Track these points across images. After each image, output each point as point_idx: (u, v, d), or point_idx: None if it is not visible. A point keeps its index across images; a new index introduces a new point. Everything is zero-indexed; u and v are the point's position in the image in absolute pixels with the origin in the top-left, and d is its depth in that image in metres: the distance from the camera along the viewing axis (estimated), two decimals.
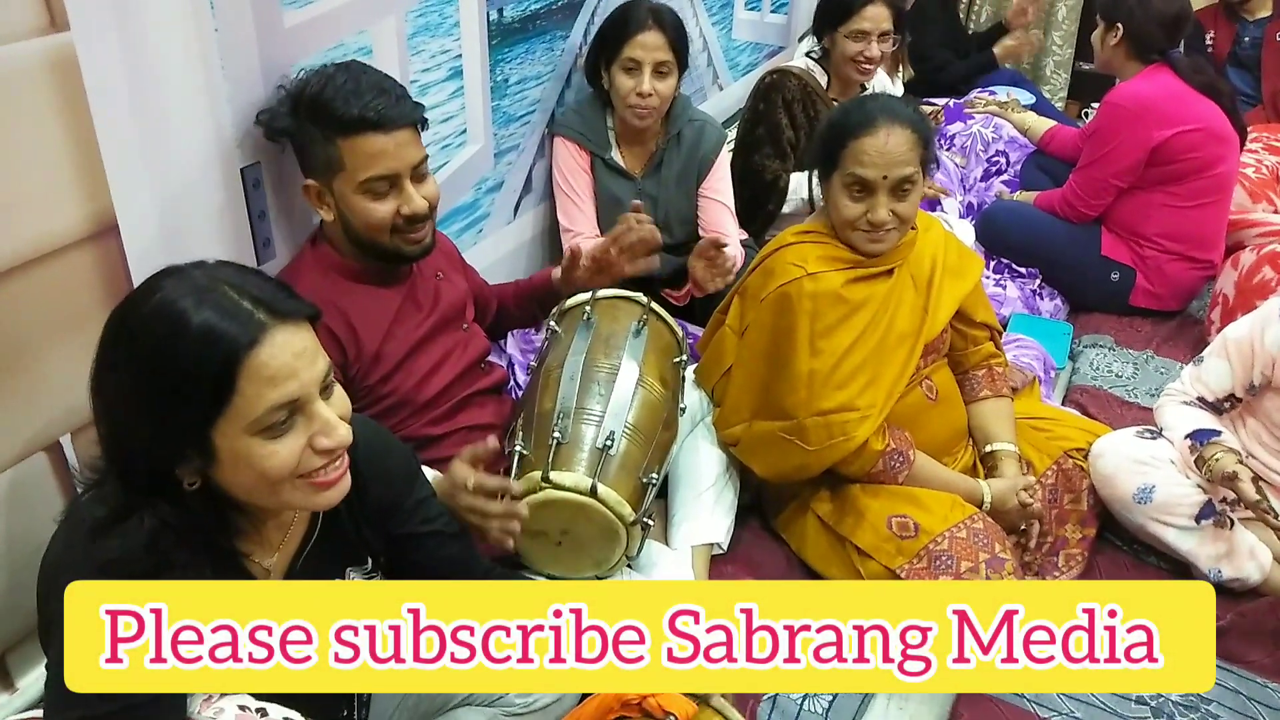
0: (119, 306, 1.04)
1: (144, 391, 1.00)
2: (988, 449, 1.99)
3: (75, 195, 1.36)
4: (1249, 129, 3.06)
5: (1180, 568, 1.96)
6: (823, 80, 2.87)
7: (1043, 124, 3.46)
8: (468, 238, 2.27)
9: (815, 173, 1.91)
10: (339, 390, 1.11)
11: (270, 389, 1.01)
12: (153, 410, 1.00)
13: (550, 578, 1.63)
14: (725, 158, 2.58)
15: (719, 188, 2.55)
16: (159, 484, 1.04)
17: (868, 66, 2.79)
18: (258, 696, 1.15)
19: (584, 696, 1.40)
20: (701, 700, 1.33)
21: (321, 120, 1.54)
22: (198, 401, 0.99)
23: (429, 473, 1.52)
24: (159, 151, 1.47)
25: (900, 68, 3.53)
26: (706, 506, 1.95)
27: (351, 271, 1.69)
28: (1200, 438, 1.91)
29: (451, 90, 2.08)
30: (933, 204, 3.11)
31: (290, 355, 1.02)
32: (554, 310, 1.92)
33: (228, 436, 1.02)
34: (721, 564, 1.95)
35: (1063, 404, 2.50)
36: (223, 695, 1.12)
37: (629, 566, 1.72)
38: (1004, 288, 2.90)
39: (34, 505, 1.40)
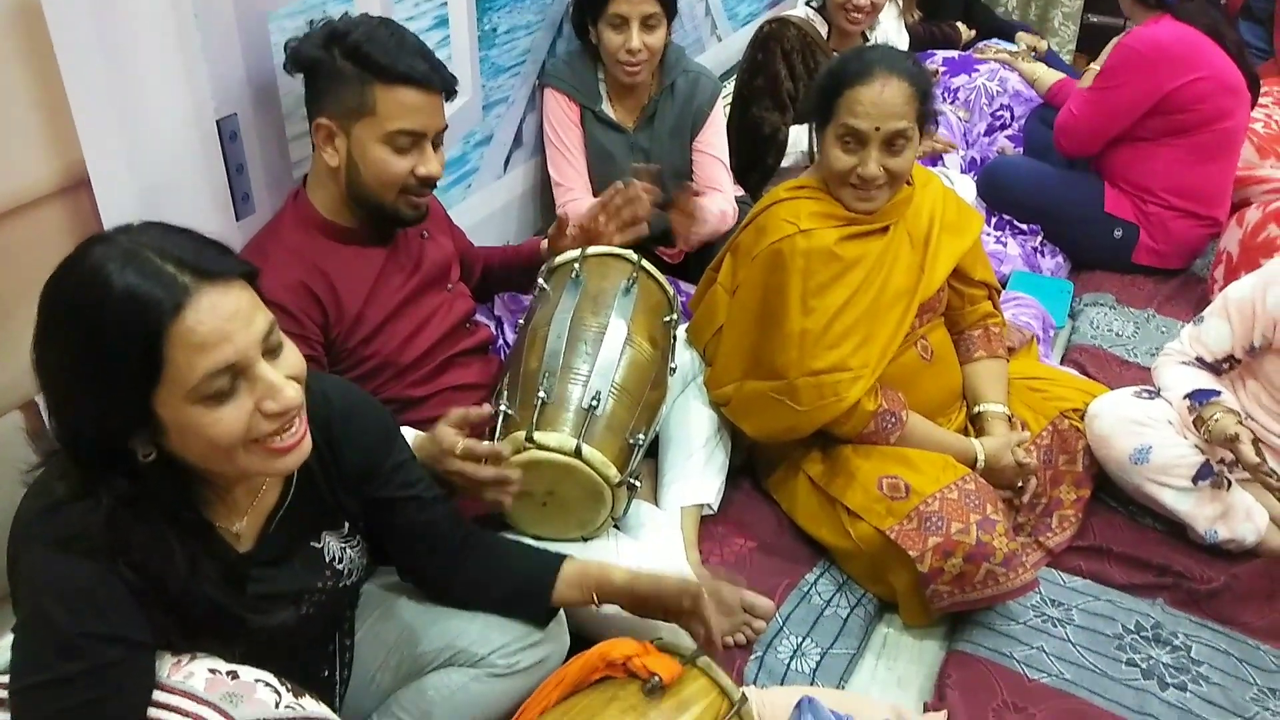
0: (50, 281, 0.99)
1: (78, 363, 0.97)
2: (976, 410, 1.97)
3: (43, 148, 1.32)
4: (1261, 82, 2.99)
5: (1176, 528, 1.94)
6: (823, 30, 2.80)
7: (1052, 75, 3.40)
8: (456, 193, 2.22)
9: (813, 125, 1.86)
10: (289, 349, 1.06)
11: (201, 356, 0.96)
12: (89, 383, 0.97)
13: (536, 538, 1.61)
14: (720, 111, 2.53)
15: (713, 141, 2.50)
16: (112, 457, 1.01)
17: (858, 15, 2.72)
18: (232, 659, 1.14)
19: (569, 656, 1.39)
20: (687, 660, 1.31)
21: (362, 62, 1.52)
22: (128, 372, 0.95)
23: (408, 433, 1.50)
24: (130, 102, 1.42)
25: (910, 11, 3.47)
26: (697, 467, 1.92)
27: (334, 230, 1.65)
28: (1199, 398, 1.89)
29: (437, 39, 2.03)
30: (934, 159, 3.06)
31: (220, 319, 0.97)
32: (543, 268, 1.88)
33: (169, 406, 0.98)
34: (711, 525, 1.93)
35: (1061, 363, 2.47)
36: (193, 658, 1.11)
37: (616, 528, 1.70)
38: (1004, 244, 2.86)
39: (7, 465, 1.37)
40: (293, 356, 1.07)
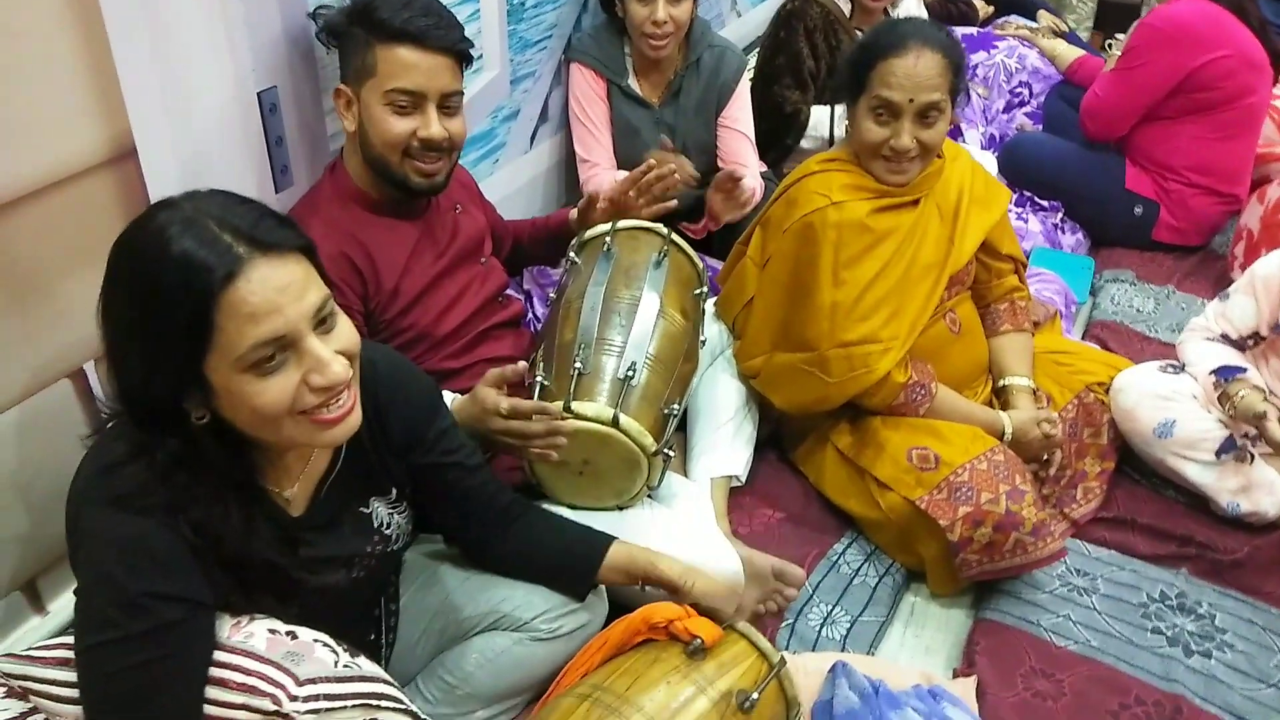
0: (116, 244, 1.02)
1: (135, 322, 0.99)
2: (1001, 383, 1.98)
3: (93, 118, 1.34)
4: None
5: (1198, 501, 1.96)
6: (846, 8, 2.80)
7: (1072, 52, 3.39)
8: (484, 168, 2.24)
9: (837, 107, 1.87)
10: (343, 323, 1.08)
11: (252, 325, 0.98)
12: (145, 343, 1.00)
13: (571, 508, 1.64)
14: (746, 86, 2.53)
15: (739, 117, 2.51)
16: (168, 418, 1.03)
17: None
18: (288, 621, 1.16)
19: (610, 620, 1.42)
20: (727, 624, 1.34)
21: (366, 23, 1.54)
22: (178, 335, 0.97)
23: (448, 397, 1.52)
24: (175, 74, 1.44)
25: None
26: (725, 439, 1.95)
27: (369, 201, 1.67)
28: (1225, 374, 1.90)
29: (467, 13, 2.03)
30: (954, 134, 3.06)
31: (272, 290, 0.98)
32: (573, 241, 1.90)
33: (219, 373, 1.00)
34: (740, 496, 1.96)
35: (1083, 338, 2.49)
36: (252, 619, 1.14)
37: (649, 497, 1.72)
38: (1025, 221, 2.87)
39: (59, 431, 1.40)
40: (346, 331, 1.08)
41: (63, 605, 1.47)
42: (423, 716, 1.19)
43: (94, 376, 1.43)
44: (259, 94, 1.60)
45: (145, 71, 1.39)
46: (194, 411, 1.04)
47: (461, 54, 1.61)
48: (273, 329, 0.99)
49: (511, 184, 2.36)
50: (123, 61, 1.35)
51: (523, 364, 1.53)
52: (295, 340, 1.01)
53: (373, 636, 1.43)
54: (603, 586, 1.46)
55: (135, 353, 1.01)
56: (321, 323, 1.05)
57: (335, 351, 1.05)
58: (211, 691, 1.06)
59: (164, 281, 0.97)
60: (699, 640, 1.29)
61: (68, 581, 1.45)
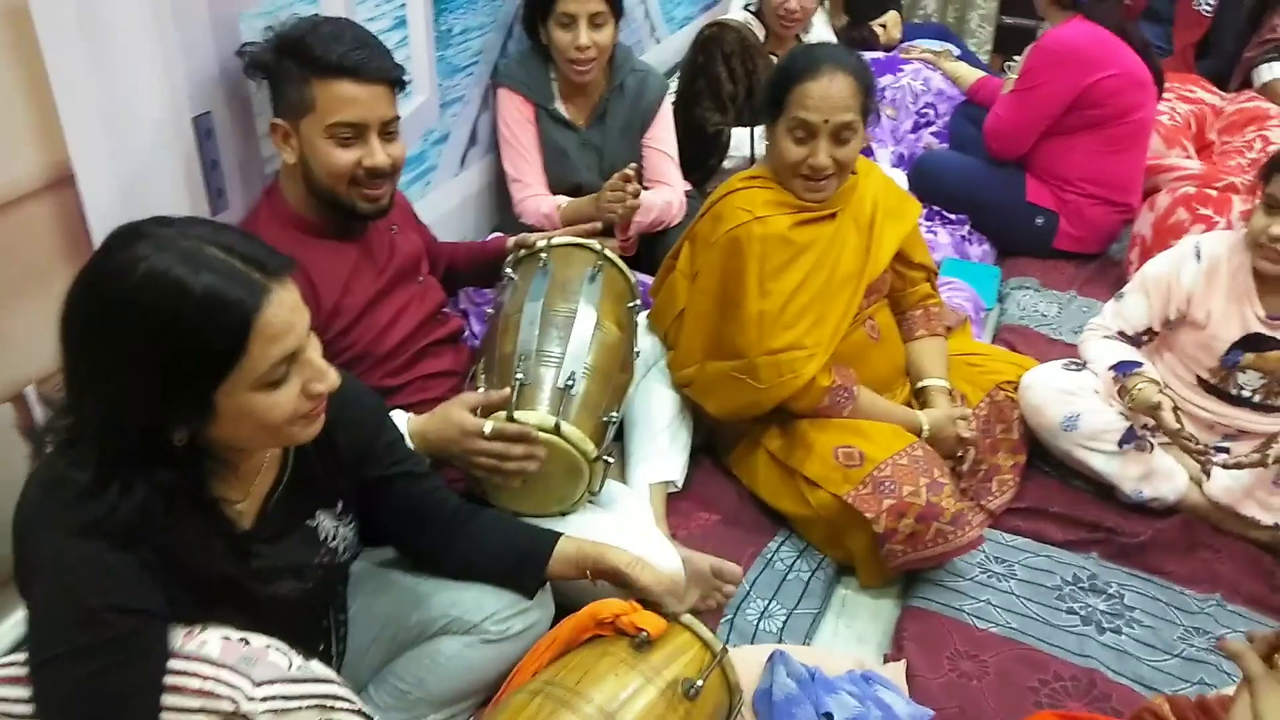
0: (96, 281, 1.02)
1: (147, 364, 1.01)
2: (920, 384, 2.10)
3: (31, 145, 1.35)
4: (1164, 77, 3.20)
5: (1104, 489, 2.09)
6: (760, 34, 2.93)
7: (973, 74, 3.58)
8: (416, 190, 2.28)
9: (756, 128, 1.97)
10: (314, 335, 1.14)
11: (274, 346, 1.04)
12: (156, 381, 1.02)
13: (515, 514, 1.68)
14: (668, 107, 2.63)
15: (662, 137, 2.60)
16: (147, 446, 1.06)
17: (791, 21, 2.86)
18: (238, 628, 1.19)
19: (558, 619, 1.46)
20: (672, 616, 1.39)
21: (300, 59, 1.56)
22: (208, 368, 1.01)
23: (399, 416, 1.56)
24: (112, 99, 1.46)
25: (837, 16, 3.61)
26: (662, 447, 2.02)
27: (307, 225, 1.70)
28: (1123, 369, 2.04)
29: (397, 40, 2.09)
30: (866, 153, 3.19)
31: (288, 311, 1.05)
32: (509, 258, 1.95)
33: (231, 395, 1.04)
34: (677, 501, 2.02)
35: (993, 342, 2.62)
36: (204, 628, 1.16)
37: (591, 503, 1.78)
38: (935, 234, 3.01)
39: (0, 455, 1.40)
40: (317, 342, 1.15)
41: (7, 630, 1.46)
42: (375, 718, 1.22)
43: (34, 401, 1.44)
44: (194, 119, 1.62)
45: (82, 97, 1.40)
46: (177, 436, 1.07)
47: (396, 80, 1.65)
48: (289, 346, 1.06)
49: (444, 206, 2.41)
50: (60, 87, 1.37)
51: (507, 391, 1.58)
52: (299, 353, 1.09)
53: (323, 647, 1.45)
54: (549, 587, 1.51)
55: (143, 392, 1.02)
56: (309, 335, 1.12)
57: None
58: (169, 699, 1.08)
59: (188, 318, 1.00)
60: (645, 633, 1.34)
61: (10, 605, 1.44)
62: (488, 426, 1.51)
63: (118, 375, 1.02)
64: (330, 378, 1.12)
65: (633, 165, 2.27)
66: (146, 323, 1.00)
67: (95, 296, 1.02)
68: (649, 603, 1.41)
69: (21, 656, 1.11)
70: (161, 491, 1.06)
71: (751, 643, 1.73)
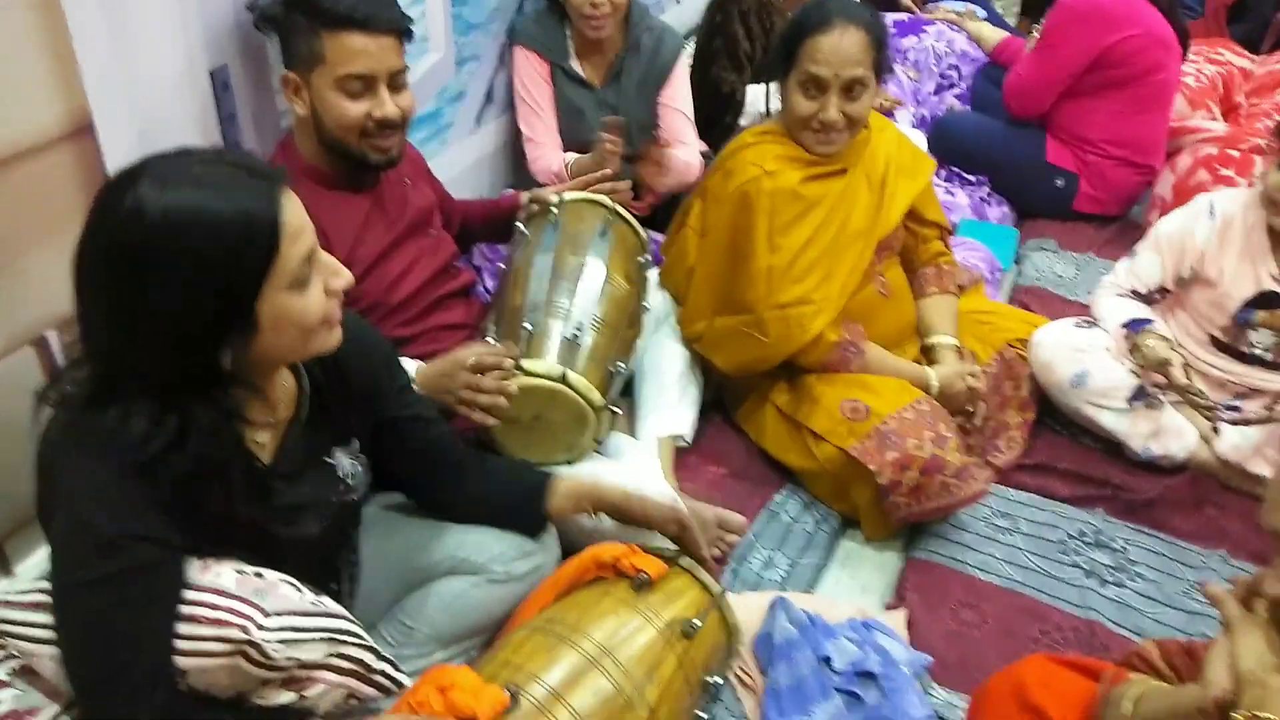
0: (116, 234, 1.03)
1: (193, 296, 1.04)
2: (928, 341, 2.11)
3: (51, 94, 1.39)
4: (1191, 39, 3.15)
5: (1113, 447, 2.09)
6: None
7: (996, 34, 3.54)
8: (432, 147, 2.30)
9: (771, 85, 1.97)
10: None
11: (297, 244, 1.08)
12: (206, 308, 1.05)
13: (524, 462, 1.71)
14: (684, 65, 2.62)
15: (678, 96, 2.60)
16: (192, 376, 1.09)
17: None
18: (251, 563, 1.23)
19: (561, 562, 1.50)
20: (671, 560, 1.43)
21: (309, 11, 1.58)
22: (249, 280, 1.05)
23: (408, 362, 1.60)
24: (131, 53, 1.49)
25: None
26: (671, 401, 2.04)
27: (320, 176, 1.73)
28: (1135, 326, 2.04)
29: None
30: (887, 115, 3.18)
31: (299, 210, 1.10)
32: (520, 213, 1.98)
33: (270, 301, 1.08)
34: (686, 455, 2.05)
35: (1008, 303, 2.61)
36: (220, 560, 1.20)
37: (598, 452, 1.81)
38: (954, 195, 2.99)
39: (23, 396, 1.44)
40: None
41: (30, 567, 1.51)
42: (383, 653, 1.26)
43: (56, 344, 1.48)
44: (211, 72, 1.65)
45: (101, 49, 1.44)
46: (224, 357, 1.09)
47: (404, 31, 1.67)
48: (308, 244, 1.10)
49: (459, 163, 2.43)
50: (79, 39, 1.40)
51: (511, 345, 1.63)
52: (314, 252, 1.13)
53: (334, 587, 1.49)
54: (554, 530, 1.55)
55: (184, 318, 1.05)
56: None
57: None
58: (183, 628, 1.12)
59: (222, 240, 1.03)
60: (645, 575, 1.38)
61: (35, 543, 1.50)
62: (472, 357, 1.54)
63: (165, 312, 1.04)
64: (345, 273, 1.17)
65: (613, 120, 2.27)
66: (191, 258, 1.03)
67: (124, 252, 1.03)
68: (651, 548, 1.44)
69: (45, 585, 1.16)
70: (196, 423, 1.09)
71: (754, 591, 1.76)
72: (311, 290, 1.12)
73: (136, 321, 1.05)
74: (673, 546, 1.48)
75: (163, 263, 1.02)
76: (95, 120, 1.46)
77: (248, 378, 1.15)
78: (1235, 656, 1.01)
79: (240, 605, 1.15)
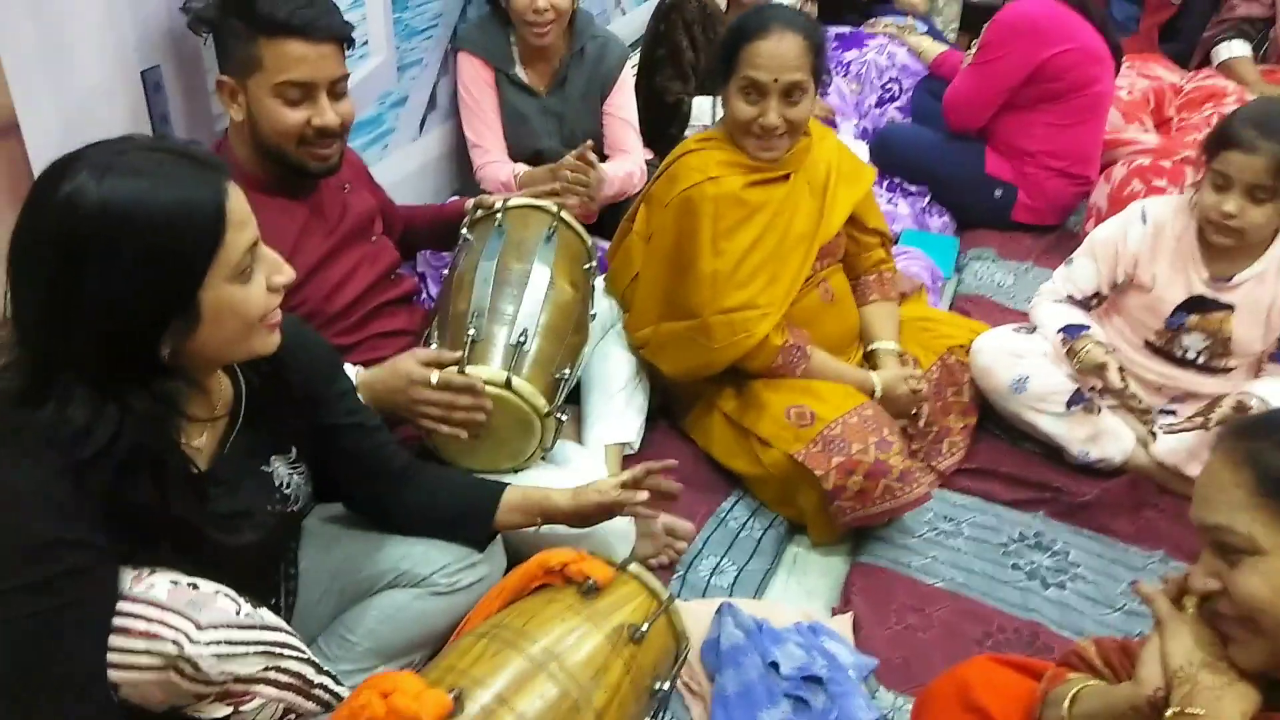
0: (54, 223, 1.01)
1: (136, 284, 1.01)
2: (870, 347, 2.12)
3: None
4: (1124, 55, 3.23)
5: (1052, 451, 2.12)
6: (722, 3, 2.93)
7: (936, 47, 3.61)
8: (373, 153, 2.27)
9: (718, 97, 1.98)
10: None
11: (241, 233, 1.07)
12: (146, 296, 1.02)
13: (469, 472, 1.69)
14: (629, 74, 2.63)
15: (622, 104, 2.60)
16: (130, 368, 1.06)
17: None
18: (188, 574, 1.19)
19: (508, 572, 1.48)
20: (619, 566, 1.41)
21: (247, 16, 1.54)
22: (193, 268, 1.04)
23: (350, 369, 1.57)
24: (57, 50, 1.45)
25: None
26: (618, 408, 2.03)
27: (256, 181, 1.69)
28: (1071, 332, 2.07)
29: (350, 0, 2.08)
30: (829, 124, 3.22)
31: (242, 200, 1.08)
32: (465, 220, 1.95)
33: (212, 289, 1.06)
34: (633, 462, 2.02)
35: (949, 311, 2.65)
36: (153, 571, 1.16)
37: (543, 459, 1.79)
38: (896, 205, 3.04)
39: None
40: None
41: None
42: (324, 666, 1.23)
43: None
44: (143, 72, 1.61)
45: (27, 46, 1.40)
46: (164, 347, 1.07)
47: (345, 38, 1.64)
48: (251, 234, 1.09)
49: (401, 170, 2.40)
50: (2, 35, 1.36)
51: (460, 354, 1.60)
52: (257, 244, 1.10)
53: (273, 601, 1.46)
54: (500, 539, 1.52)
55: (133, 310, 1.03)
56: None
57: None
58: (114, 639, 1.08)
59: (166, 229, 1.01)
60: (592, 580, 1.36)
61: None
62: (434, 376, 1.53)
63: (106, 302, 1.02)
64: (286, 269, 1.15)
65: (588, 145, 2.26)
66: (126, 248, 1.00)
67: (58, 243, 1.01)
68: (596, 553, 1.43)
69: None
70: (133, 410, 1.06)
71: (703, 597, 1.75)
72: (254, 284, 1.11)
73: (76, 312, 1.02)
74: (621, 554, 1.46)
75: (102, 252, 1.00)
76: (20, 119, 1.41)
77: (186, 372, 1.13)
78: (1166, 654, 1.03)
79: (173, 618, 1.11)
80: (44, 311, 1.04)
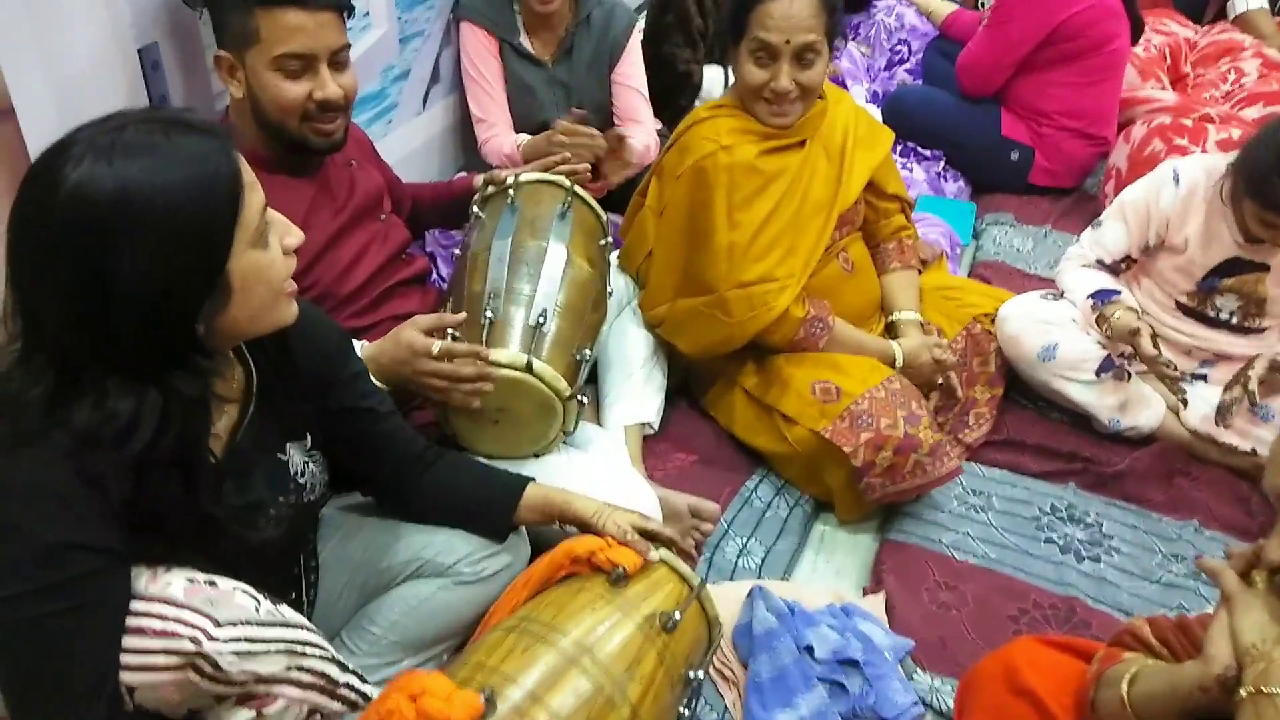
0: (64, 220, 0.95)
1: (167, 266, 0.98)
2: (891, 318, 2.07)
3: None
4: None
5: (1082, 420, 2.08)
6: None
7: (946, 7, 3.53)
8: (377, 129, 2.21)
9: (729, 67, 1.91)
10: None
11: (254, 193, 1.05)
12: (180, 278, 0.99)
13: (489, 457, 1.64)
14: (637, 41, 2.55)
15: (631, 73, 2.52)
16: (166, 350, 1.03)
17: None
18: (205, 571, 1.15)
19: (533, 559, 1.44)
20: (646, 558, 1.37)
21: None
22: (222, 238, 1.01)
23: (359, 345, 1.52)
24: (51, 29, 1.39)
25: None
26: (637, 387, 1.98)
27: (260, 160, 1.62)
28: (1101, 297, 2.02)
29: None
30: (838, 84, 3.14)
31: (245, 163, 1.05)
32: (476, 196, 1.90)
33: (238, 257, 1.03)
34: (653, 442, 1.99)
35: (969, 277, 2.59)
36: (169, 569, 1.12)
37: (565, 443, 1.74)
38: (910, 170, 2.97)
39: None
40: None
41: None
42: (347, 664, 1.19)
43: None
44: (139, 50, 1.55)
45: (19, 25, 1.34)
46: (200, 325, 1.04)
47: (344, 6, 1.58)
48: (262, 194, 1.07)
49: (407, 145, 2.34)
50: None
51: (464, 314, 1.55)
52: (268, 209, 1.09)
53: (293, 595, 1.42)
54: (524, 527, 1.48)
55: (162, 286, 0.99)
56: None
57: None
58: (130, 640, 1.05)
59: (194, 197, 0.98)
60: (621, 569, 1.32)
61: None
62: (436, 345, 1.47)
63: (140, 291, 0.97)
64: (295, 230, 1.13)
65: (582, 112, 2.20)
66: (151, 233, 0.96)
67: (82, 237, 0.95)
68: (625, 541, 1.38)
69: None
70: (179, 394, 1.04)
71: (730, 580, 1.71)
72: (272, 248, 1.09)
73: (110, 303, 0.98)
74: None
75: (129, 239, 0.96)
76: (14, 101, 1.36)
77: (213, 350, 1.09)
78: (1236, 630, 0.99)
79: (190, 615, 1.08)
80: (72, 309, 0.99)
